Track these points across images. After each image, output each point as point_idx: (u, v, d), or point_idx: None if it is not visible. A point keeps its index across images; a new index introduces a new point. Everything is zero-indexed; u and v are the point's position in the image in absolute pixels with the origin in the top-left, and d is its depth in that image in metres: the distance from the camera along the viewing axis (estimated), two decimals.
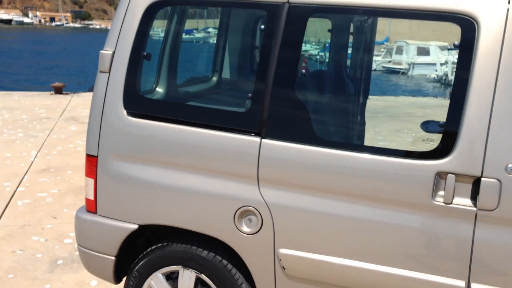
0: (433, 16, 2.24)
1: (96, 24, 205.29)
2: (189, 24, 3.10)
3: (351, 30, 3.65)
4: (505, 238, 2.14)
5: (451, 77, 35.85)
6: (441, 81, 35.37)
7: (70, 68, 36.39)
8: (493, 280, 2.18)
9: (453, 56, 41.13)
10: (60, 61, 41.24)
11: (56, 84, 13.26)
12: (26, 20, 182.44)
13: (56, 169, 6.44)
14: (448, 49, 43.30)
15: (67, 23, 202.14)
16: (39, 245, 4.31)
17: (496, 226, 2.15)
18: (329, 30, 3.70)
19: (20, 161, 6.75)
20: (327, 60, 3.93)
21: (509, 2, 2.14)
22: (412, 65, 36.90)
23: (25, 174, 6.18)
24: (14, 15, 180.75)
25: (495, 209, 2.13)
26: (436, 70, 36.30)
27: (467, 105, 2.14)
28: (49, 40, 77.96)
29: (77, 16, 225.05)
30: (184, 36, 3.08)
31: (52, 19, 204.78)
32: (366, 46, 3.74)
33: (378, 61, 44.98)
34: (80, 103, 11.61)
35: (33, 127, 8.87)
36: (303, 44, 2.45)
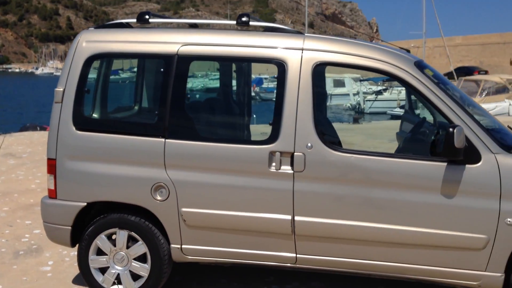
0: (264, 60, 3.83)
1: (16, 67, 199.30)
2: (117, 65, 4.53)
3: (234, 68, 5.18)
4: (311, 187, 3.67)
5: (363, 106, 38.48)
6: (355, 109, 38.11)
7: None
8: (307, 212, 3.70)
9: (365, 87, 44.12)
10: None
11: None
12: None
13: (3, 193, 7.50)
14: (360, 80, 46.39)
15: None
16: (1, 244, 5.45)
17: (305, 180, 3.68)
18: (217, 69, 5.24)
19: None
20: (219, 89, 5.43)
21: (302, 51, 3.73)
22: (330, 96, 39.58)
23: None
24: None
25: (303, 171, 3.67)
26: (349, 100, 39.11)
27: (283, 112, 3.69)
28: None
29: None
30: (113, 76, 4.47)
31: None
32: (245, 80, 5.24)
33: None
34: (13, 142, 12.51)
35: None
36: (205, 78, 3.97)
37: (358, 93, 38.80)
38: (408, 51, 4.35)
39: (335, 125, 4.80)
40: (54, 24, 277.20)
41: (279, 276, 4.57)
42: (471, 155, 3.49)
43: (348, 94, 39.74)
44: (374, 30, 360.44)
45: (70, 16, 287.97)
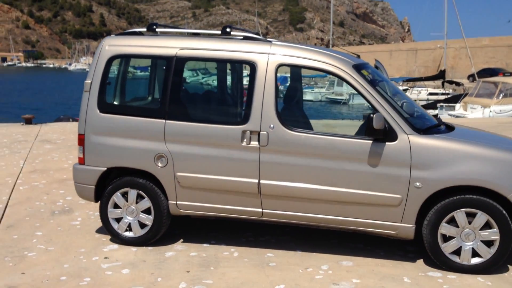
0: (240, 62, 5.06)
1: (50, 63, 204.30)
2: (139, 62, 5.82)
3: (229, 68, 6.38)
4: (273, 158, 4.88)
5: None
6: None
7: (27, 104, 38.45)
8: (269, 177, 4.90)
9: None
10: (18, 98, 43.13)
11: (27, 116, 15.61)
12: None
13: (41, 171, 8.91)
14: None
15: (20, 63, 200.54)
16: (40, 206, 6.81)
17: (268, 152, 4.89)
18: (215, 68, 6.47)
19: (13, 166, 9.18)
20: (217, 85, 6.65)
21: (269, 55, 4.94)
22: (352, 95, 40.64)
23: (19, 173, 8.63)
24: None
25: (267, 145, 4.88)
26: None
27: (253, 101, 4.91)
28: (4, 79, 78.79)
29: (29, 55, 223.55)
30: (140, 72, 5.73)
31: (4, 59, 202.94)
32: (238, 76, 6.44)
33: (323, 92, 48.53)
34: (49, 130, 14.02)
35: (15, 146, 11.27)
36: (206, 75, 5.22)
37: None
38: (358, 56, 5.51)
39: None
40: (87, 20, 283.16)
41: (255, 231, 5.78)
42: (390, 135, 4.65)
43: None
44: (406, 30, 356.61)
45: (103, 13, 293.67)
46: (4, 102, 41.47)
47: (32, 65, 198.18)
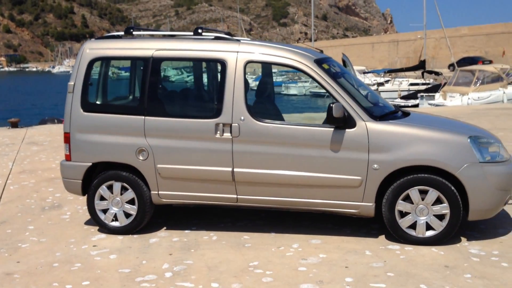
0: (212, 60, 5.52)
1: (33, 66, 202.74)
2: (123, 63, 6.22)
3: (202, 66, 6.80)
4: (244, 147, 5.33)
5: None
6: None
7: (12, 108, 38.56)
8: (242, 165, 5.35)
9: (369, 79, 45.49)
10: (3, 103, 43.16)
11: (13, 119, 15.92)
12: None
13: (30, 171, 9.28)
14: (364, 73, 47.77)
15: (2, 67, 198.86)
16: (31, 203, 7.20)
17: (240, 143, 5.33)
18: (193, 68, 6.89)
19: (2, 168, 9.54)
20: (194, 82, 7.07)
21: (237, 53, 5.37)
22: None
23: (9, 174, 9.00)
24: None
25: (238, 136, 5.32)
26: None
27: (224, 96, 5.35)
28: None
29: (12, 59, 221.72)
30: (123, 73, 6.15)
31: None
32: (210, 74, 6.85)
33: (307, 86, 49.06)
34: (35, 133, 14.35)
35: (3, 150, 11.61)
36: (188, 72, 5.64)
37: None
38: (321, 51, 5.98)
39: None
40: (69, 22, 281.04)
41: (233, 217, 6.23)
42: (349, 122, 5.12)
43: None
44: (389, 21, 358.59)
45: (85, 14, 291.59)
46: None
47: (15, 69, 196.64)
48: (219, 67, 5.48)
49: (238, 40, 5.55)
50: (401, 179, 5.10)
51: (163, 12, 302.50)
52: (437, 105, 26.03)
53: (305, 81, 49.99)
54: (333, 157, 5.17)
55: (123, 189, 5.73)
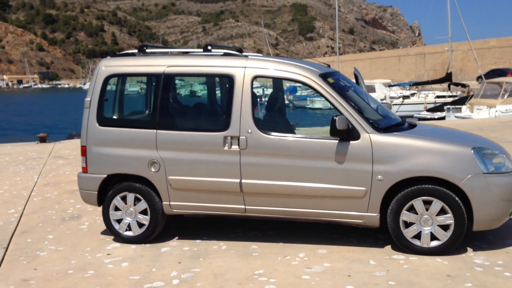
0: (220, 75, 5.73)
1: (64, 83, 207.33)
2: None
3: (211, 81, 7.00)
4: (252, 159, 5.49)
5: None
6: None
7: (43, 123, 39.72)
8: (250, 176, 5.51)
9: (394, 92, 45.26)
10: (34, 118, 44.47)
11: (41, 134, 16.44)
12: None
13: (53, 183, 9.62)
14: (390, 86, 47.53)
15: (35, 84, 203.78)
16: (52, 214, 7.49)
17: (248, 155, 5.50)
18: (203, 83, 7.12)
19: (28, 181, 9.91)
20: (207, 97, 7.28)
21: (245, 68, 5.57)
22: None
23: (33, 187, 9.35)
24: None
25: (246, 148, 5.49)
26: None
27: (232, 109, 5.53)
28: (21, 101, 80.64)
29: (44, 77, 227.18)
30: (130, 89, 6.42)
31: (20, 82, 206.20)
32: (222, 90, 7.05)
33: None
34: (62, 147, 14.80)
35: (30, 163, 12.03)
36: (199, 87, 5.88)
37: (385, 97, 40.27)
38: (328, 66, 6.13)
39: None
40: (100, 40, 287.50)
41: (244, 227, 6.38)
42: (353, 134, 5.24)
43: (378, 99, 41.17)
44: (417, 34, 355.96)
45: (115, 32, 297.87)
46: (21, 123, 42.84)
47: (48, 86, 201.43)
48: (228, 82, 5.69)
49: (246, 56, 5.75)
50: (405, 190, 5.18)
51: (190, 29, 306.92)
52: (463, 118, 25.78)
53: None
54: (337, 168, 5.28)
55: (136, 200, 5.95)
